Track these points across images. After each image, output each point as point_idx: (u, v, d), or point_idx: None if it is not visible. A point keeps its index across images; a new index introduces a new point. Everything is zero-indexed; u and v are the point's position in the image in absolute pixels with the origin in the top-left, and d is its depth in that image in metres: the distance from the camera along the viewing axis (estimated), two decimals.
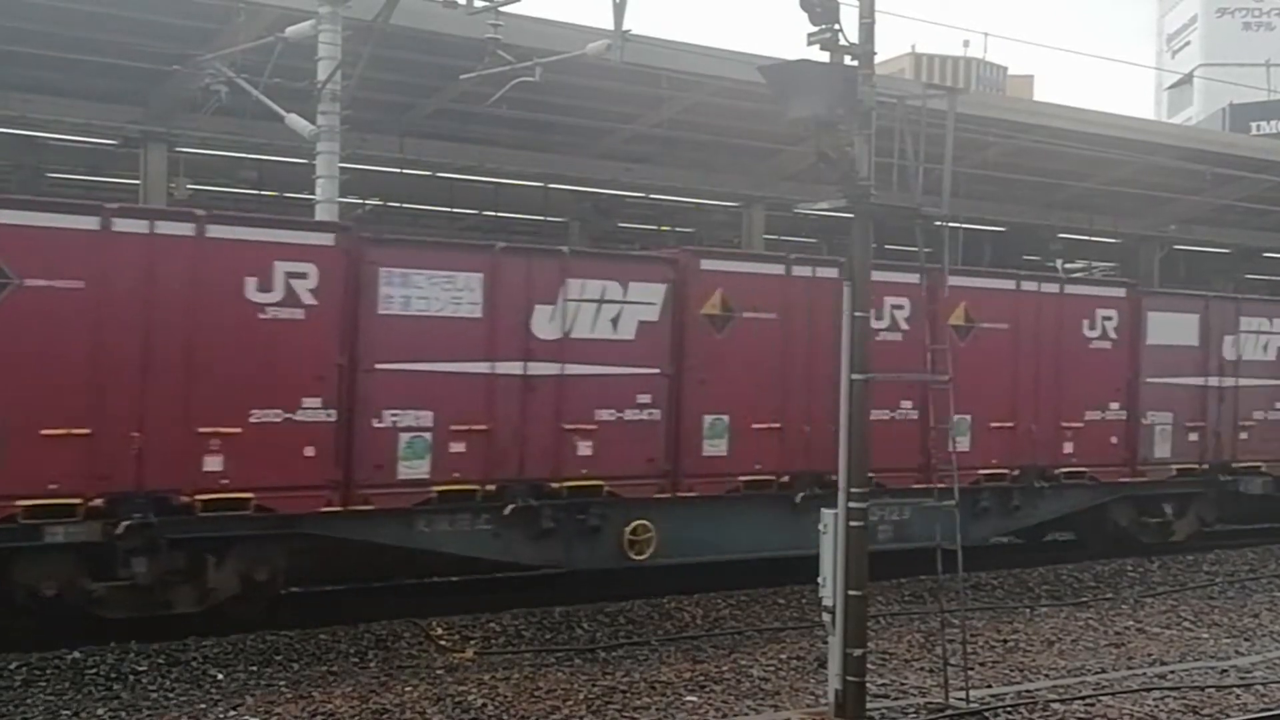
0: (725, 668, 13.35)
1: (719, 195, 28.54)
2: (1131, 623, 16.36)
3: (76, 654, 12.82)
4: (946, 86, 13.96)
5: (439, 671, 13.05)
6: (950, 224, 12.64)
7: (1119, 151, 28.54)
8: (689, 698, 12.20)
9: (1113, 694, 12.59)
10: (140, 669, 12.66)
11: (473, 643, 14.21)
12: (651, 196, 28.84)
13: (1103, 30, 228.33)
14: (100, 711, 11.49)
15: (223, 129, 22.66)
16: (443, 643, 14.11)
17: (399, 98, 23.20)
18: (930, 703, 12.03)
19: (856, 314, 11.24)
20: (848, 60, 10.90)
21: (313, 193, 19.78)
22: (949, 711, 11.83)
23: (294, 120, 19.68)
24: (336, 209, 19.67)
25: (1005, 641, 14.96)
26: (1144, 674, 13.60)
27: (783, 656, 13.87)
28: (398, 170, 25.12)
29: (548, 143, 25.68)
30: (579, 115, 24.64)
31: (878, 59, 11.19)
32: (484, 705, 11.71)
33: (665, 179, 27.49)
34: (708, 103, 24.05)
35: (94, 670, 12.55)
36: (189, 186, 24.95)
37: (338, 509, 14.44)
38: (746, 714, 11.71)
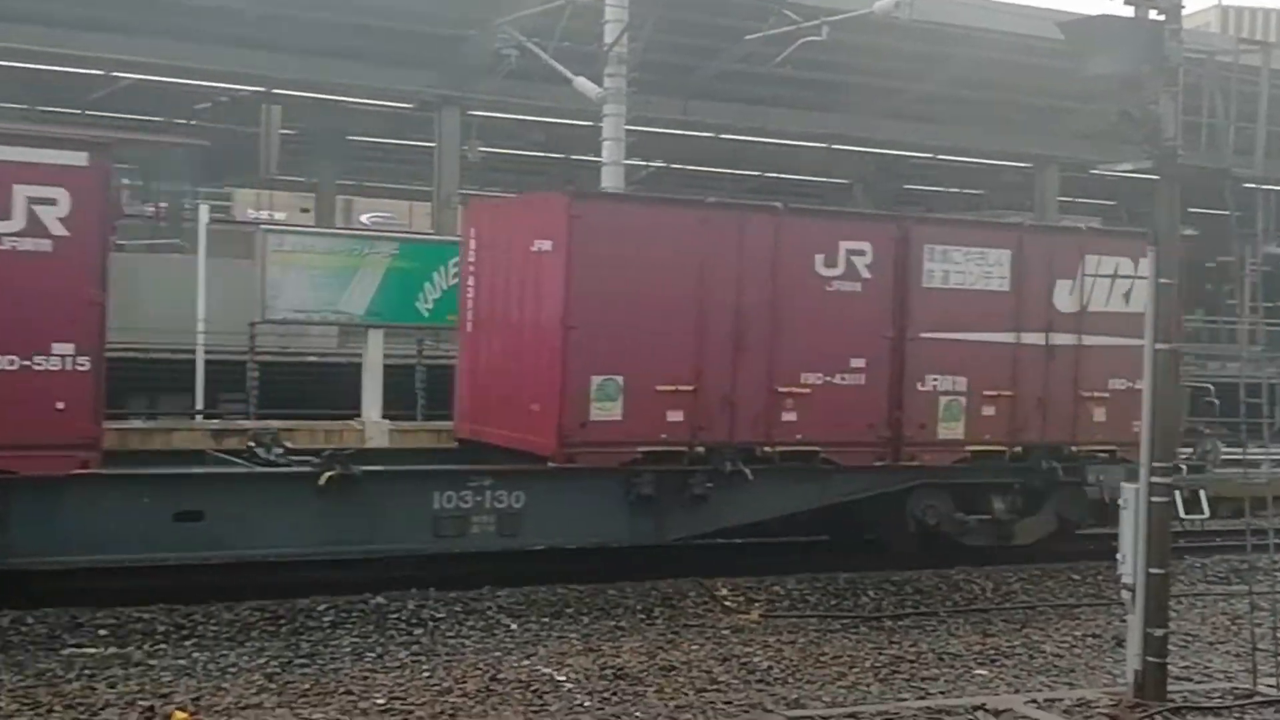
0: (1016, 642, 13.05)
1: (1010, 155, 27.81)
2: None
3: (380, 599, 13.36)
4: (1260, 41, 13.24)
5: (724, 631, 13.12)
6: (1263, 186, 12.00)
7: None
8: (979, 671, 11.97)
9: None
10: (439, 615, 13.10)
11: (757, 605, 14.22)
12: (939, 157, 28.32)
13: None
14: (402, 655, 11.94)
15: (512, 93, 23.24)
16: (728, 603, 14.17)
17: (683, 59, 23.34)
18: (1237, 688, 11.48)
19: (1162, 281, 10.78)
20: (1153, 14, 10.43)
21: (599, 155, 20.13)
22: (1257, 698, 11.26)
23: (582, 83, 19.99)
24: (622, 171, 19.97)
25: None
26: None
27: (1077, 634, 13.48)
28: (681, 132, 25.32)
29: (832, 103, 25.46)
30: (864, 74, 24.36)
31: (1183, 12, 10.67)
32: (769, 668, 11.73)
33: (952, 139, 26.94)
34: (998, 59, 23.45)
35: (395, 615, 13.05)
36: (480, 149, 25.71)
37: None
38: (1040, 690, 11.43)
